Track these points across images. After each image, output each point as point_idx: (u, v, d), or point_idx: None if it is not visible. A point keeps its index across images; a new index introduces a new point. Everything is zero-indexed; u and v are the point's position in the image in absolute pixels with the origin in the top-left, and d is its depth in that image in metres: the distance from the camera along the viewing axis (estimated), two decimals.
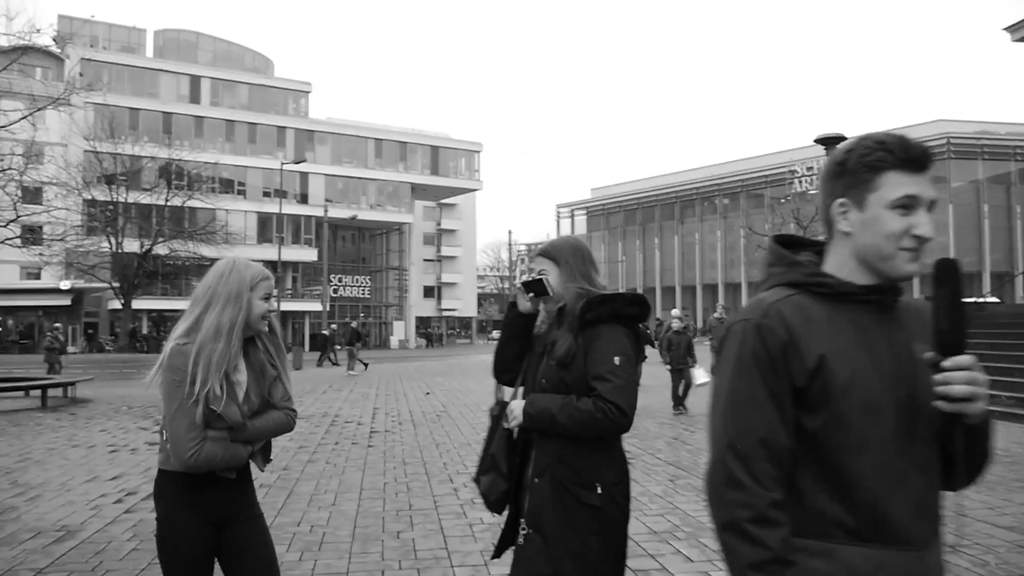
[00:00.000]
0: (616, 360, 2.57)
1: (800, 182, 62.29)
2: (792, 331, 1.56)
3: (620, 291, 2.77)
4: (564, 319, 2.71)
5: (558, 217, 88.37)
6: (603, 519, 2.56)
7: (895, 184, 1.57)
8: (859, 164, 1.60)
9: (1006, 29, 16.79)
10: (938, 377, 1.48)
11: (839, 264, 1.66)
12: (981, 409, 1.49)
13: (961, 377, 1.46)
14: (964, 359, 1.47)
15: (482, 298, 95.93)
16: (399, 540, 5.57)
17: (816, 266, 1.68)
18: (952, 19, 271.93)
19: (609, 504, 2.57)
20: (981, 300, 23.73)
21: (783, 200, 58.58)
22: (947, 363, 1.47)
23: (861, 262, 1.62)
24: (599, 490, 2.56)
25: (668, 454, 8.98)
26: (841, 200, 1.63)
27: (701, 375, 13.02)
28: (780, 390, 1.56)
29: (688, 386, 13.25)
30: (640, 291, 3.04)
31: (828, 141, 17.02)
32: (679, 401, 13.20)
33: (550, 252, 2.83)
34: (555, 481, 2.61)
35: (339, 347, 30.18)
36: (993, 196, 58.96)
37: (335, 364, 28.70)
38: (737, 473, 1.55)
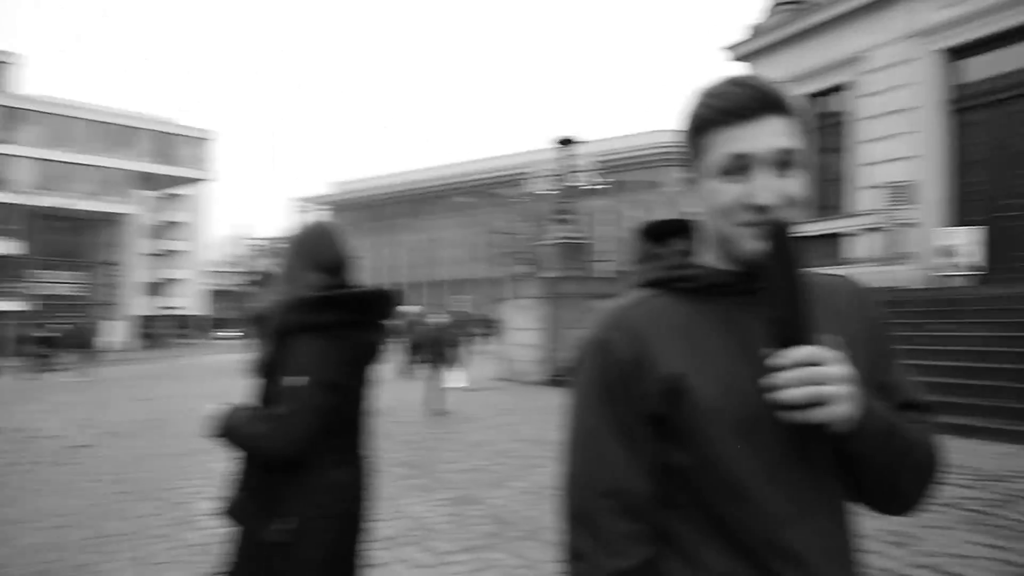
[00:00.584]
0: (290, 382, 2.20)
1: (535, 183, 65.24)
2: (642, 344, 1.22)
3: (336, 290, 2.36)
4: (266, 326, 2.36)
5: (299, 211, 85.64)
6: (293, 559, 2.19)
7: (719, 143, 1.21)
8: (687, 126, 1.26)
9: (725, 48, 18.27)
10: (769, 380, 1.12)
11: (706, 251, 1.30)
12: (844, 413, 1.11)
13: (795, 376, 1.09)
14: (800, 351, 1.10)
15: (214, 296, 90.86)
16: (88, 574, 4.86)
17: (686, 256, 1.33)
18: (677, 35, 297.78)
19: (303, 542, 2.19)
20: None
21: (519, 200, 60.79)
22: (777, 359, 1.11)
23: (716, 246, 1.27)
24: (285, 525, 2.19)
25: (399, 453, 8.78)
26: (685, 174, 1.30)
27: (455, 378, 12.44)
28: (630, 421, 1.22)
29: (442, 389, 12.50)
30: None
31: (563, 143, 17.75)
32: (433, 403, 12.48)
33: (283, 247, 2.48)
34: (239, 510, 2.27)
35: (43, 351, 26.82)
36: None
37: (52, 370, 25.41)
38: (577, 542, 1.22)
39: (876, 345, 1.32)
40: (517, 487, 6.94)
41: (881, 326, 1.35)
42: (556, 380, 15.66)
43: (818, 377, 1.09)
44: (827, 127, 15.54)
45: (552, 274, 17.03)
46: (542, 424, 10.55)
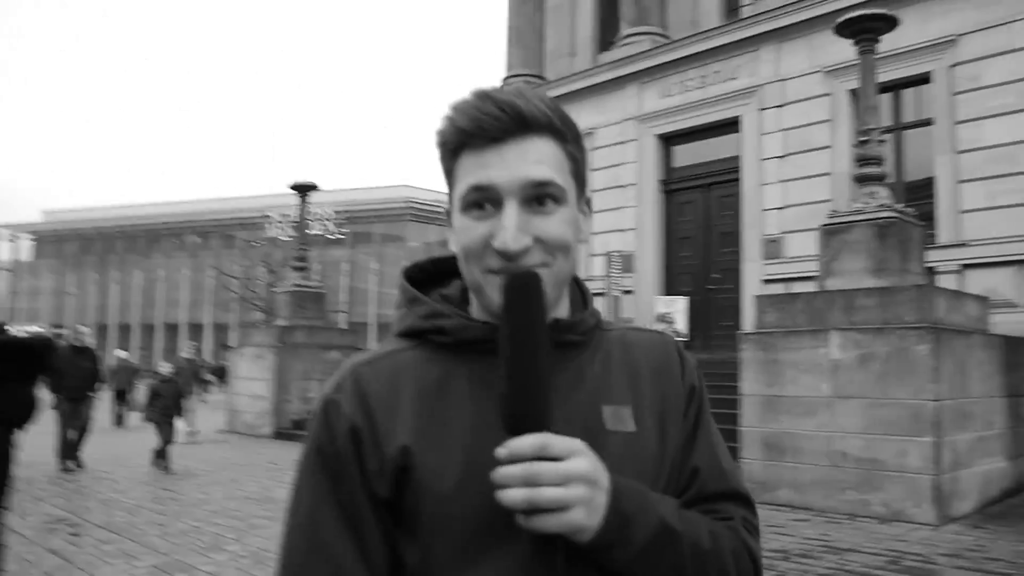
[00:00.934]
0: None
1: (273, 227, 63.38)
2: (369, 410, 0.98)
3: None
4: None
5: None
6: None
7: (463, 171, 0.99)
8: (438, 148, 1.04)
9: None
10: (494, 474, 0.87)
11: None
12: (575, 524, 0.86)
13: (513, 474, 0.85)
14: (522, 442, 0.86)
15: None
16: None
17: (455, 303, 1.09)
18: (425, 91, 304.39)
19: None
20: None
21: (255, 244, 58.74)
22: (501, 450, 0.87)
23: (473, 293, 1.05)
24: None
25: (99, 514, 7.87)
26: (447, 205, 1.07)
27: (183, 429, 11.24)
28: (357, 504, 0.97)
29: (168, 442, 11.07)
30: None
31: (302, 189, 17.27)
32: (160, 455, 10.99)
33: None
34: None
35: None
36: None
37: None
38: None
39: (686, 420, 1.10)
40: (233, 551, 6.43)
41: (693, 397, 1.12)
42: (285, 433, 15.03)
43: (539, 477, 0.85)
44: None
45: (284, 322, 16.42)
46: (267, 481, 9.99)
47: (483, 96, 0.98)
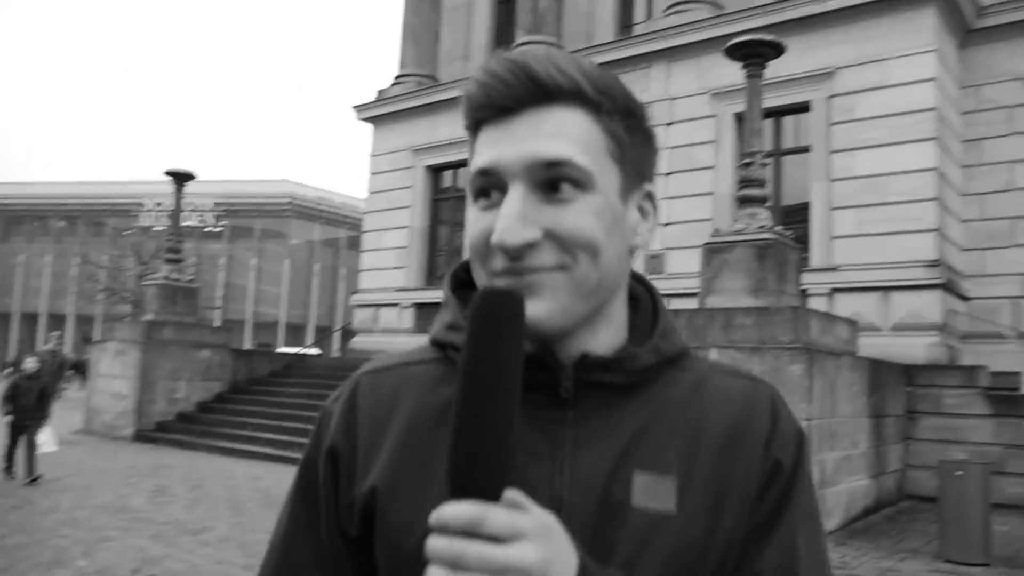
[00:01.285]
0: None
1: (147, 216, 60.66)
2: (354, 431, 0.83)
3: None
4: None
5: None
6: None
7: (475, 153, 0.81)
8: (464, 127, 0.85)
9: (355, 108, 18.48)
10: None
11: None
12: None
13: (438, 551, 0.61)
14: (455, 512, 0.61)
15: None
16: None
17: None
18: (313, 86, 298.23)
19: None
20: (303, 351, 25.47)
21: (126, 232, 56.12)
22: (432, 515, 0.62)
23: None
24: None
25: None
26: None
27: (49, 440, 9.96)
28: (331, 535, 0.83)
29: (33, 449, 9.70)
30: None
31: (179, 177, 16.44)
32: (10, 465, 9.79)
33: None
34: None
35: None
36: (324, 257, 65.07)
37: None
38: None
39: (759, 506, 0.81)
40: (79, 567, 5.95)
41: (778, 476, 0.82)
42: (146, 436, 14.26)
43: (463, 559, 0.60)
44: (454, 200, 16.39)
45: (152, 317, 15.58)
46: (123, 488, 9.37)
47: (499, 59, 0.79)
